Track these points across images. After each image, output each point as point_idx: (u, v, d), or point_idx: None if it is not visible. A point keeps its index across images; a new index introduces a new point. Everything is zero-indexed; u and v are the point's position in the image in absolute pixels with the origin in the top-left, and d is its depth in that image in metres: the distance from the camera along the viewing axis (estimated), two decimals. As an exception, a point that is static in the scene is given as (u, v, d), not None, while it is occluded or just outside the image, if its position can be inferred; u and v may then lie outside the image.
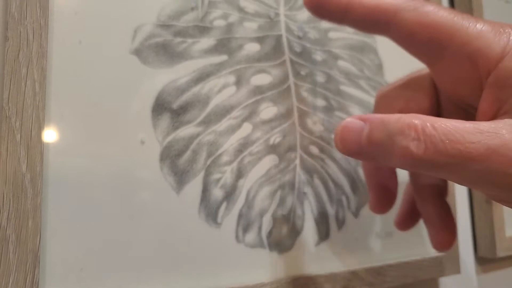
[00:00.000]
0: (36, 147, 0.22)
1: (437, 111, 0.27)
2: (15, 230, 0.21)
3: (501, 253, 0.45)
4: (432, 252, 0.38)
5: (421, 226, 0.34)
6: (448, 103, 0.27)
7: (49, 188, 0.23)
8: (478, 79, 0.23)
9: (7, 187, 0.21)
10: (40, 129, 0.22)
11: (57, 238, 0.23)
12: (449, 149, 0.20)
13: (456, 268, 0.40)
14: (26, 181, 0.22)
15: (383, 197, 0.30)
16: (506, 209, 0.46)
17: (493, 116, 0.22)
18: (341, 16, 0.25)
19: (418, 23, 0.23)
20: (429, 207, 0.29)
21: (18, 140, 0.22)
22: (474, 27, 0.23)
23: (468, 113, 0.25)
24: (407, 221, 0.32)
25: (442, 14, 0.23)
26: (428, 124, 0.20)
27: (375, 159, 0.23)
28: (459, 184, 0.23)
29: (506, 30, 0.22)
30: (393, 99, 0.28)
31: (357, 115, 0.22)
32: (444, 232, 0.29)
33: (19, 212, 0.21)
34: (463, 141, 0.20)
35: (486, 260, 0.46)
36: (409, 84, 0.28)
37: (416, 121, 0.20)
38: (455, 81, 0.24)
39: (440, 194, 0.29)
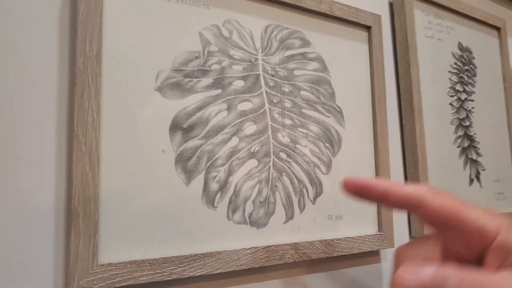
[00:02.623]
0: (94, 155, 0.30)
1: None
2: (83, 209, 0.29)
3: (428, 233, 0.53)
4: (372, 231, 0.46)
5: (364, 211, 0.43)
6: (457, 256, 0.32)
7: (103, 182, 0.31)
8: (482, 246, 0.27)
9: (77, 181, 0.29)
10: (97, 143, 0.30)
11: (109, 215, 0.31)
12: None
13: (391, 243, 0.47)
14: (89, 177, 0.30)
15: None
16: (432, 199, 0.54)
17: (498, 268, 0.27)
18: (379, 201, 0.32)
19: (442, 205, 0.30)
20: None
21: (84, 150, 0.30)
22: (475, 210, 0.29)
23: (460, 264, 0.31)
24: None
25: (456, 200, 0.30)
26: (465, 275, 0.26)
27: None
28: None
29: (492, 215, 0.28)
30: (412, 256, 0.33)
31: (407, 265, 0.27)
32: None
33: (85, 197, 0.29)
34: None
35: (417, 238, 0.54)
36: (421, 244, 0.32)
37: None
38: (462, 244, 0.30)
39: None
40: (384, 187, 0.29)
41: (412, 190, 0.29)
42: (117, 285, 0.29)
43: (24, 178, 0.29)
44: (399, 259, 0.32)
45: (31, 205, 0.29)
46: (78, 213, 0.29)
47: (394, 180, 0.33)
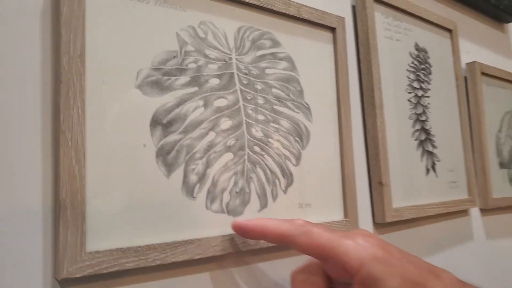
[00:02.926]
0: (80, 150, 0.31)
1: (328, 285, 0.35)
2: (70, 200, 0.30)
3: (389, 219, 0.56)
4: (338, 218, 0.50)
5: (330, 199, 0.45)
6: (338, 281, 0.34)
7: (89, 175, 0.32)
8: (351, 277, 0.31)
9: (64, 174, 0.30)
10: (83, 138, 0.32)
11: (95, 206, 0.32)
12: None
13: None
14: (76, 171, 0.31)
15: None
16: (393, 188, 0.58)
17: None
18: (260, 239, 0.37)
19: (309, 244, 0.33)
20: None
21: (70, 145, 0.31)
22: (343, 245, 0.32)
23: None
24: None
25: (324, 236, 0.33)
26: None
27: None
28: None
29: (360, 245, 0.31)
30: (302, 282, 0.35)
31: None
32: None
33: (72, 189, 0.31)
34: None
35: (379, 224, 0.58)
36: (310, 271, 0.36)
37: None
38: (338, 274, 0.33)
39: None
40: (259, 228, 0.34)
41: (283, 230, 0.34)
42: (104, 271, 0.31)
43: (12, 172, 0.30)
44: (293, 283, 0.36)
45: (20, 198, 0.30)
46: (66, 205, 0.30)
47: (271, 220, 0.35)
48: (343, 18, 0.54)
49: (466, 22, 0.91)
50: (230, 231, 0.39)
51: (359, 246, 0.32)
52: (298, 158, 0.47)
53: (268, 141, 0.44)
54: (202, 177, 0.39)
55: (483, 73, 0.86)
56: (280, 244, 0.36)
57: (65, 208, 0.30)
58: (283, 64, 0.47)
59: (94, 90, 0.34)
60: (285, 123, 0.46)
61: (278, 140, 0.45)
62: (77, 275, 0.30)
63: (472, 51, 0.90)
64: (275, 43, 0.47)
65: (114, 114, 0.34)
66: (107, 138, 0.34)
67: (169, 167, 0.37)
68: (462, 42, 0.86)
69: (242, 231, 0.37)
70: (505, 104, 0.93)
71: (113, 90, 0.35)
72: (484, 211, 0.82)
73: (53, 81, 0.32)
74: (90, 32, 0.34)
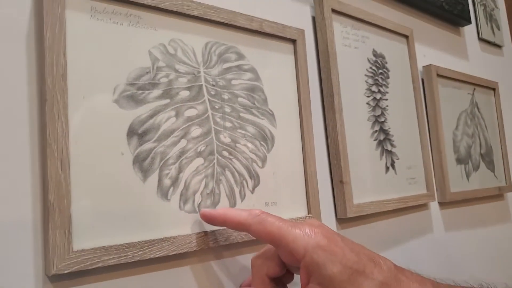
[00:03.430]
0: (65, 159, 0.36)
1: (284, 269, 0.41)
2: (57, 205, 0.35)
3: (350, 215, 0.63)
4: (302, 214, 0.55)
5: (294, 197, 0.51)
6: (290, 265, 0.41)
7: (73, 182, 0.37)
8: (298, 262, 0.37)
9: (51, 182, 0.35)
10: (67, 149, 0.36)
11: (80, 209, 0.37)
12: None
13: (319, 224, 0.56)
14: (62, 178, 0.35)
15: None
16: (353, 186, 0.65)
17: (308, 283, 0.37)
18: (222, 225, 0.43)
19: (263, 232, 0.39)
20: None
21: (56, 156, 0.35)
22: (291, 233, 0.37)
23: None
24: None
25: (275, 224, 0.38)
26: None
27: None
28: None
29: (306, 235, 0.37)
30: (260, 266, 0.42)
31: None
32: None
33: (59, 195, 0.35)
34: None
35: (342, 219, 0.64)
36: (267, 256, 0.42)
37: None
38: (288, 259, 0.39)
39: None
40: (221, 217, 0.41)
41: (241, 219, 0.41)
42: (89, 267, 0.36)
43: (5, 181, 0.34)
44: (252, 267, 0.42)
45: (12, 203, 0.34)
46: (54, 209, 0.35)
47: (232, 210, 0.42)
48: (303, 30, 0.60)
49: (423, 27, 0.99)
50: (202, 229, 0.44)
51: (305, 235, 0.37)
52: (263, 160, 0.52)
53: (236, 146, 0.49)
54: (175, 181, 0.44)
55: (439, 75, 0.94)
56: (239, 230, 0.42)
57: (53, 211, 0.35)
58: (248, 75, 0.53)
59: (76, 105, 0.38)
60: (251, 129, 0.51)
61: (244, 145, 0.50)
62: (65, 271, 0.34)
63: (429, 55, 0.98)
64: (240, 56, 0.52)
65: (94, 126, 0.39)
66: (88, 149, 0.38)
67: (145, 173, 0.41)
68: (419, 47, 0.93)
69: (207, 219, 0.43)
70: (461, 104, 1.02)
71: (93, 105, 0.39)
72: (442, 204, 0.90)
73: (39, 99, 0.37)
74: (71, 53, 0.38)
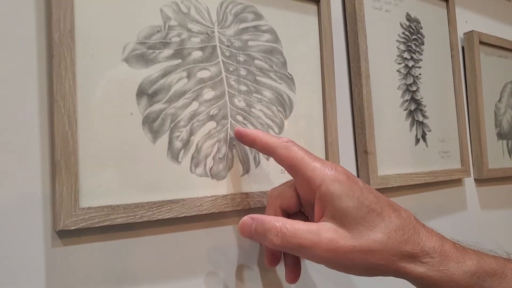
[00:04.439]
0: (72, 117, 0.37)
1: (299, 206, 0.42)
2: (64, 161, 0.36)
3: (374, 186, 0.61)
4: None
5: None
6: (304, 200, 0.41)
7: (81, 140, 0.37)
8: (314, 194, 0.37)
9: (58, 138, 0.36)
10: (74, 107, 0.37)
11: (87, 167, 0.37)
12: (293, 242, 0.34)
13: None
14: (69, 135, 0.36)
15: (274, 259, 0.44)
16: (379, 157, 0.63)
17: (321, 217, 0.36)
18: (251, 145, 0.44)
19: (286, 156, 0.39)
20: (287, 259, 0.44)
21: (63, 112, 0.36)
22: (312, 163, 0.37)
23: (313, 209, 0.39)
24: (273, 262, 0.44)
25: (299, 153, 0.39)
26: (284, 226, 0.34)
27: (260, 241, 0.37)
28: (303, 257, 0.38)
29: (327, 168, 0.37)
30: (276, 197, 0.42)
31: (249, 215, 0.38)
32: (292, 274, 0.43)
33: (66, 152, 0.36)
34: (300, 237, 0.34)
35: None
36: (284, 188, 0.42)
37: (277, 224, 0.35)
38: (304, 191, 0.39)
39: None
40: (252, 136, 0.41)
41: (269, 141, 0.41)
42: (96, 225, 0.37)
43: (14, 136, 0.35)
44: (268, 198, 0.43)
45: (21, 158, 0.35)
46: (61, 166, 0.35)
47: (264, 133, 0.43)
48: (328, -10, 0.58)
49: (466, -10, 0.93)
50: (214, 193, 0.45)
51: (326, 169, 0.37)
52: (280, 127, 0.51)
53: (251, 111, 0.49)
54: (186, 144, 0.44)
55: (482, 43, 0.89)
56: (265, 152, 0.43)
57: (60, 168, 0.35)
58: (266, 36, 0.51)
59: (84, 63, 0.38)
60: (268, 94, 0.50)
61: (260, 110, 0.50)
62: (72, 228, 0.35)
63: (472, 21, 0.92)
64: (258, 16, 0.51)
65: (103, 85, 0.39)
66: (96, 107, 0.39)
67: (155, 134, 0.42)
68: (461, 12, 0.88)
69: (239, 135, 0.45)
70: (506, 74, 0.96)
71: (101, 63, 0.39)
72: (479, 181, 0.86)
73: (47, 55, 0.37)
74: (79, 9, 0.38)
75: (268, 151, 0.41)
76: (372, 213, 0.35)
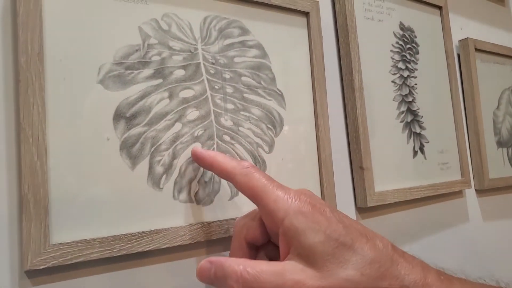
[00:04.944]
0: (42, 146, 0.34)
1: (267, 237, 0.38)
2: (33, 195, 0.33)
3: (371, 204, 0.58)
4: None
5: (306, 186, 0.47)
6: (271, 231, 0.37)
7: (52, 170, 0.34)
8: (278, 227, 0.33)
9: (26, 170, 0.33)
10: (43, 134, 0.34)
11: (59, 200, 0.34)
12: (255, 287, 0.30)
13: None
14: (37, 166, 0.33)
15: None
16: (376, 172, 0.60)
17: (287, 254, 0.32)
18: (209, 169, 0.40)
19: (246, 185, 0.36)
20: None
21: (31, 142, 0.33)
22: (274, 193, 0.34)
23: None
24: None
25: (261, 181, 0.35)
26: (245, 269, 0.31)
27: (221, 287, 0.33)
28: None
29: (290, 198, 0.33)
30: (241, 227, 0.39)
31: (208, 258, 0.33)
32: None
33: (34, 184, 0.33)
34: (263, 281, 0.30)
35: (362, 209, 0.60)
36: (250, 217, 0.39)
37: (238, 268, 0.31)
38: (269, 222, 0.35)
39: None
40: (210, 160, 0.37)
41: (228, 166, 0.38)
42: (69, 262, 0.33)
43: (-24, 170, 0.32)
44: (234, 228, 0.39)
45: (-16, 194, 0.32)
46: (29, 199, 0.32)
47: (223, 156, 0.39)
48: (317, 1, 0.55)
49: (460, -3, 0.91)
50: (199, 220, 0.42)
51: (289, 199, 0.33)
52: (271, 145, 0.49)
53: (239, 130, 0.46)
54: (168, 168, 0.41)
55: (478, 50, 0.86)
56: (224, 178, 0.39)
57: (27, 202, 0.32)
58: (253, 51, 0.49)
59: (55, 87, 0.36)
60: (256, 111, 0.48)
61: (249, 129, 0.47)
62: (41, 267, 0.32)
63: (467, 28, 0.90)
64: (244, 31, 0.48)
65: (76, 110, 0.36)
66: (69, 134, 0.36)
67: (134, 159, 0.39)
68: (455, 19, 0.86)
69: (196, 157, 0.40)
70: (504, 81, 0.94)
71: (74, 87, 0.37)
72: (480, 192, 0.83)
73: (14, 80, 0.35)
74: (49, 30, 0.36)
75: (227, 177, 0.37)
76: (341, 247, 0.31)
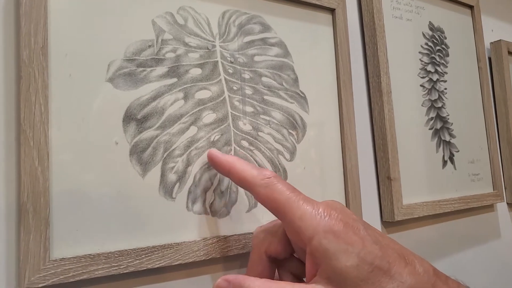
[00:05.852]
0: (43, 149, 0.31)
1: (290, 251, 0.35)
2: (32, 204, 0.30)
3: (398, 217, 0.55)
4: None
5: (330, 197, 0.44)
6: (296, 246, 0.34)
7: (54, 176, 0.32)
8: (305, 244, 0.30)
9: (25, 176, 0.30)
10: (46, 137, 0.31)
11: (61, 209, 0.32)
12: None
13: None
14: (38, 172, 0.31)
15: None
16: (403, 183, 0.57)
17: (314, 275, 0.30)
18: (225, 175, 0.36)
19: (267, 197, 0.32)
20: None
21: (32, 145, 0.31)
22: (301, 208, 0.31)
23: None
24: None
25: (284, 193, 0.32)
26: None
27: None
28: None
29: (319, 214, 0.30)
30: (262, 240, 0.36)
31: (225, 276, 0.31)
32: None
33: (34, 192, 0.30)
34: None
35: (389, 223, 0.56)
36: (271, 230, 0.36)
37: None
38: (294, 237, 0.32)
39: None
40: (227, 166, 0.34)
41: (247, 176, 0.33)
42: (71, 280, 0.31)
43: (-29, 175, 0.30)
44: (253, 240, 0.37)
45: (-22, 202, 0.30)
46: (28, 209, 0.30)
47: (242, 162, 0.35)
48: (344, -3, 0.52)
49: (491, -3, 0.87)
50: (214, 234, 0.39)
51: (318, 215, 0.30)
52: (292, 152, 0.45)
53: (258, 135, 0.43)
54: (182, 176, 0.38)
55: (511, 53, 0.82)
56: (242, 187, 0.35)
57: (26, 212, 0.30)
58: (275, 50, 0.46)
59: (60, 85, 0.33)
60: (277, 115, 0.45)
61: (269, 134, 0.44)
62: (40, 285, 0.29)
63: (498, 29, 0.86)
64: (265, 28, 0.45)
65: (82, 110, 0.34)
66: (74, 137, 0.33)
67: (145, 166, 0.36)
68: (486, 20, 0.82)
69: (213, 162, 0.37)
70: (537, 87, 0.89)
71: (81, 85, 0.34)
72: (512, 205, 0.79)
73: (16, 76, 0.32)
74: (54, 22, 0.33)
75: (246, 187, 0.34)
76: (377, 271, 0.28)
